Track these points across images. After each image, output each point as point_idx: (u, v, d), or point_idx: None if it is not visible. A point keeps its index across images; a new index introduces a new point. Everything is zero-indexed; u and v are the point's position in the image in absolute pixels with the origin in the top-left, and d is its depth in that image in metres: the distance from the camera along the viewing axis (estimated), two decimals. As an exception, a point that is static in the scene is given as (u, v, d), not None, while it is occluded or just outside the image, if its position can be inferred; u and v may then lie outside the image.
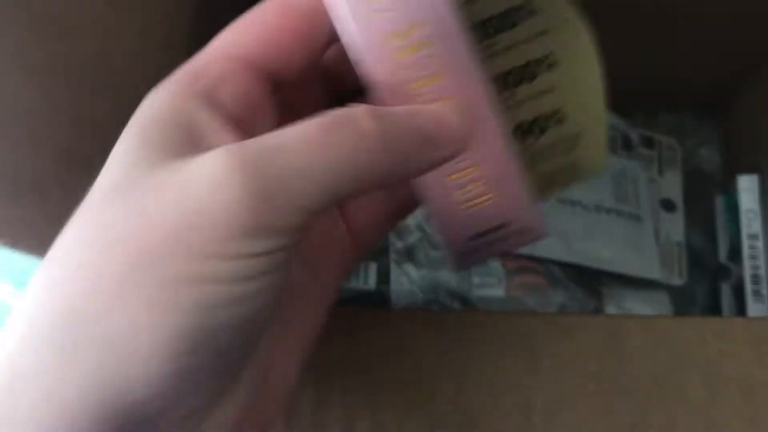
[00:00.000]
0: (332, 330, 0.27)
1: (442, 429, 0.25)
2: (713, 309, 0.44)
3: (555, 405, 0.26)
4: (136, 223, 0.16)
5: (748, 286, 0.41)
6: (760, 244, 0.42)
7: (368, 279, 0.41)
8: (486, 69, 0.20)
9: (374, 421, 0.25)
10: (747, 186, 0.43)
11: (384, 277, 0.41)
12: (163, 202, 0.16)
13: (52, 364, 0.16)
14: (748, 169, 0.45)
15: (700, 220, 0.48)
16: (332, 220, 0.23)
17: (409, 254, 0.41)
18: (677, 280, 0.45)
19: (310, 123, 0.17)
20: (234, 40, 0.20)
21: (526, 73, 0.23)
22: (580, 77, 0.23)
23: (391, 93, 0.19)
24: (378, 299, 0.40)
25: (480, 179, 0.21)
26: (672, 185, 0.48)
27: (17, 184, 0.25)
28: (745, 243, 0.43)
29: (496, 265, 0.42)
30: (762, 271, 0.42)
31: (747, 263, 0.42)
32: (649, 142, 0.49)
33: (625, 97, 0.49)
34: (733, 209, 0.44)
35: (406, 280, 0.41)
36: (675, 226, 0.47)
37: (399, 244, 0.41)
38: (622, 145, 0.49)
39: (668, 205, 0.47)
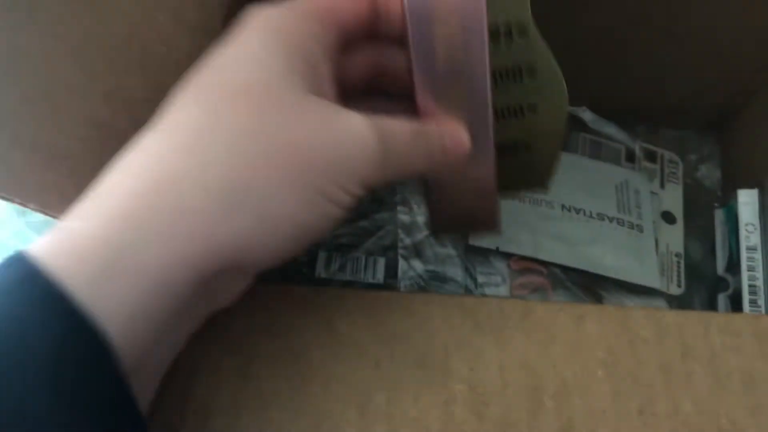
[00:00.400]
0: (357, 309, 0.28)
1: (456, 405, 0.26)
2: (710, 319, 0.45)
3: (565, 388, 0.26)
4: (305, 141, 0.23)
5: (746, 296, 0.42)
6: (758, 255, 0.43)
7: (376, 273, 0.42)
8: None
9: (390, 395, 0.26)
10: (747, 200, 0.45)
11: (392, 271, 0.41)
12: (326, 137, 0.23)
13: (201, 212, 0.21)
14: (747, 185, 0.46)
15: (699, 233, 0.49)
16: None
17: (417, 250, 0.42)
18: (676, 290, 0.46)
19: (409, 126, 0.26)
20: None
21: (517, 112, 0.30)
22: (550, 125, 0.31)
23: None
24: (385, 294, 0.41)
25: (471, 179, 0.29)
26: (673, 198, 0.49)
27: (52, 153, 0.26)
28: (744, 255, 0.44)
29: (500, 265, 0.43)
30: (760, 282, 0.43)
31: (745, 274, 0.43)
32: (651, 156, 0.51)
33: (629, 111, 0.50)
34: (732, 222, 0.46)
35: (414, 275, 0.41)
36: (675, 238, 0.48)
37: (407, 241, 0.42)
38: (625, 157, 0.50)
39: (669, 218, 0.49)
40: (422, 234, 0.42)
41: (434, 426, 0.26)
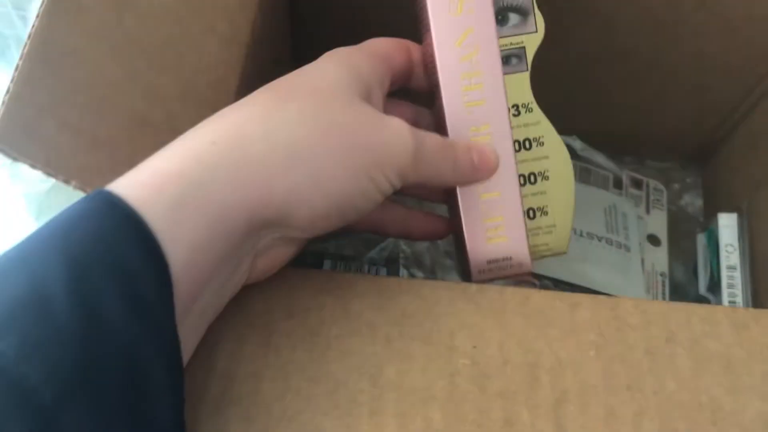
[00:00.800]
0: (370, 292, 0.30)
1: (460, 377, 0.28)
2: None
3: (560, 365, 0.29)
4: (356, 126, 0.27)
5: (727, 311, 0.45)
6: (737, 274, 0.46)
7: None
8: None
9: (400, 368, 0.28)
10: (727, 223, 0.48)
11: (394, 279, 0.44)
12: (372, 127, 0.28)
13: (263, 164, 0.25)
14: (727, 211, 0.49)
15: (683, 256, 0.51)
16: None
17: (417, 260, 0.45)
18: (661, 307, 0.48)
19: (440, 138, 0.31)
20: (389, 48, 0.32)
21: (530, 178, 0.34)
22: (561, 189, 0.35)
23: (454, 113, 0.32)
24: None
25: (502, 225, 0.33)
26: (658, 223, 0.52)
27: (94, 138, 0.28)
28: (724, 273, 0.46)
29: (497, 277, 0.45)
30: (739, 299, 0.46)
31: (725, 292, 0.46)
32: (637, 184, 0.54)
33: (617, 141, 0.54)
34: (713, 244, 0.48)
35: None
36: (659, 259, 0.50)
37: (408, 251, 0.45)
38: (613, 184, 0.53)
39: (654, 240, 0.51)
40: (423, 245, 0.45)
41: (440, 395, 0.28)
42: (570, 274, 0.46)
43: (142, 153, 0.26)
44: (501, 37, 0.32)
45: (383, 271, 0.45)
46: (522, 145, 0.34)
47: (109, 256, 0.23)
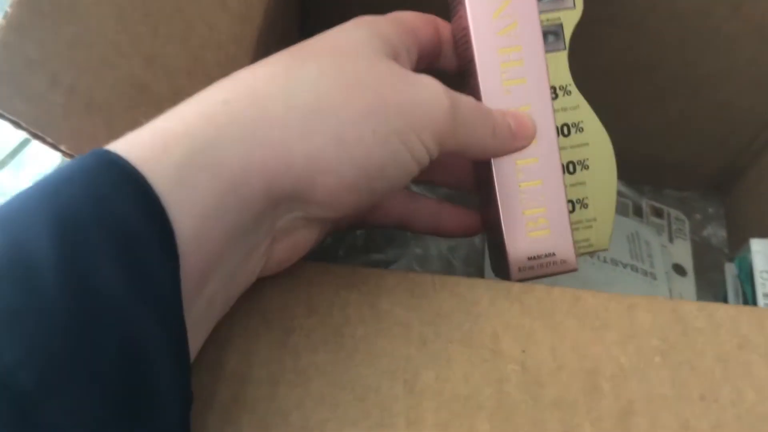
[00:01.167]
0: (399, 289, 0.26)
1: (509, 384, 0.24)
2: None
3: (622, 372, 0.25)
4: (384, 85, 0.24)
5: None
6: (775, 302, 0.43)
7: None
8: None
9: (439, 373, 0.24)
10: (760, 248, 0.45)
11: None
12: (402, 85, 0.24)
13: (281, 125, 0.22)
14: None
15: (711, 286, 0.48)
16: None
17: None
18: (692, 340, 0.45)
19: (472, 103, 0.27)
20: (417, 21, 0.29)
21: (569, 168, 0.31)
22: (603, 180, 0.31)
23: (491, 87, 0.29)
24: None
25: (544, 217, 0.29)
26: (682, 252, 0.49)
27: (89, 100, 0.25)
28: (761, 302, 0.43)
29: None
30: (779, 329, 0.42)
31: (763, 321, 0.42)
32: (658, 213, 0.51)
33: (635, 169, 0.51)
34: (745, 272, 0.45)
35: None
36: (687, 288, 0.47)
37: (420, 270, 0.41)
38: (633, 212, 0.50)
39: (680, 270, 0.48)
40: (435, 265, 0.41)
41: (487, 404, 0.24)
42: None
43: (139, 124, 0.22)
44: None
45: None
46: (560, 131, 0.30)
47: (104, 218, 0.19)
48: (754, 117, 0.47)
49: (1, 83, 0.23)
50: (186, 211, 0.20)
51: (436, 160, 0.26)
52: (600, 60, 0.43)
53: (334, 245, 0.45)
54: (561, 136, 0.30)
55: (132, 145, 0.21)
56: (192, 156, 0.21)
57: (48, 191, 0.19)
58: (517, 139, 0.28)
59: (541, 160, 0.29)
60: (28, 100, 0.23)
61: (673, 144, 0.50)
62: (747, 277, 0.45)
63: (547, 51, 0.29)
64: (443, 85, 0.25)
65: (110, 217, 0.19)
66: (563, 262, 0.30)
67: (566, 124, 0.30)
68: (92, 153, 0.20)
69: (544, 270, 0.29)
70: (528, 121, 0.28)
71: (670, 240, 0.50)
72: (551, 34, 0.30)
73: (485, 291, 0.27)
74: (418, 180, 0.33)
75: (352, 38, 0.25)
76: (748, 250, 0.45)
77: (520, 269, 0.29)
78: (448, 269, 0.42)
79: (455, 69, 0.31)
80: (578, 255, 0.30)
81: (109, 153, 0.20)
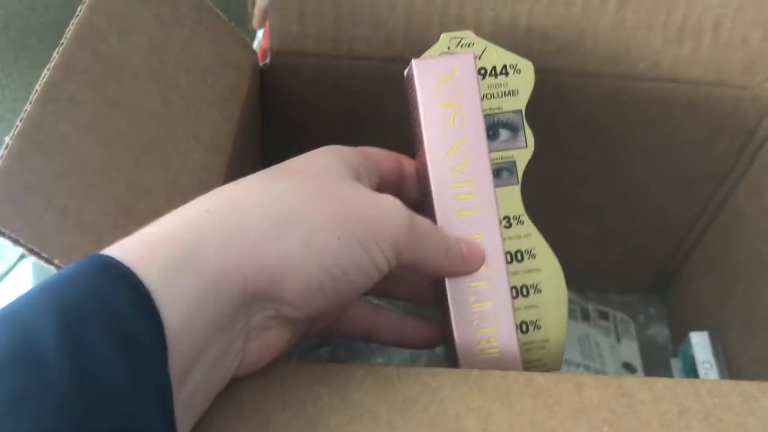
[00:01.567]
0: (368, 380, 0.28)
1: (474, 458, 0.26)
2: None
3: (576, 442, 0.27)
4: (350, 198, 0.27)
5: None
6: (719, 390, 0.45)
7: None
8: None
9: (408, 452, 0.26)
10: (699, 341, 0.48)
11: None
12: (366, 201, 0.28)
13: (257, 229, 0.25)
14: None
15: (660, 382, 0.51)
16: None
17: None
18: None
19: (429, 223, 0.30)
20: (378, 153, 0.33)
21: (523, 291, 0.34)
22: (554, 303, 0.35)
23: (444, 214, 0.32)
24: None
25: (495, 336, 0.32)
26: (630, 351, 0.52)
27: (81, 221, 0.28)
28: (706, 390, 0.46)
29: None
30: (726, 415, 0.45)
31: (711, 409, 0.45)
32: (604, 316, 0.54)
33: (578, 275, 0.55)
34: (689, 364, 0.48)
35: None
36: (639, 385, 0.49)
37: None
38: (581, 316, 0.53)
39: (630, 368, 0.51)
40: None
41: (455, 479, 0.25)
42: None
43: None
44: (492, 152, 0.33)
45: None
46: (514, 257, 0.34)
47: (103, 312, 0.21)
48: (680, 221, 0.51)
49: (2, 205, 0.25)
50: (173, 305, 0.22)
51: (397, 276, 0.29)
52: (535, 173, 0.47)
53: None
54: (515, 262, 0.34)
55: (125, 249, 0.23)
56: (177, 257, 0.23)
57: (51, 290, 0.22)
58: (468, 263, 0.31)
59: (491, 283, 0.32)
60: (26, 220, 0.25)
61: (610, 250, 0.54)
62: (691, 368, 0.48)
63: (501, 185, 0.33)
64: (403, 204, 0.29)
65: (108, 311, 0.21)
66: None
67: (519, 251, 0.34)
68: (90, 257, 0.23)
69: None
70: (478, 248, 0.32)
71: (618, 340, 0.53)
72: (505, 170, 0.34)
73: (446, 378, 0.29)
74: (380, 293, 0.36)
75: (320, 161, 0.29)
76: (689, 343, 0.48)
77: None
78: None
79: (418, 200, 0.34)
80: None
81: (103, 256, 0.23)
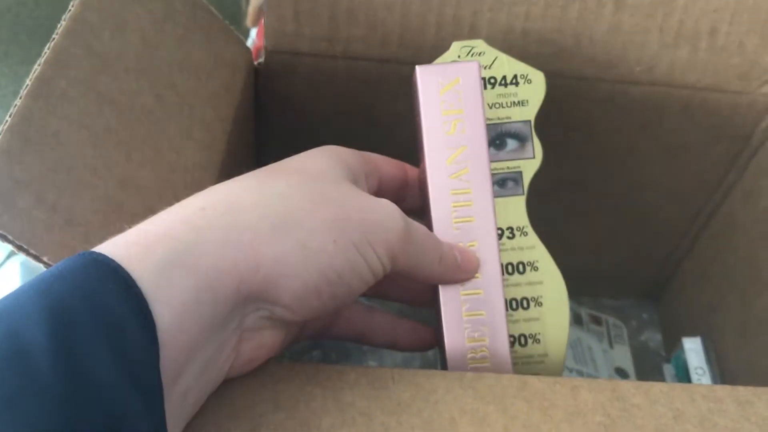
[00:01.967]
0: (361, 382, 0.28)
1: (469, 461, 0.26)
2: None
3: (571, 446, 0.27)
4: (346, 202, 0.27)
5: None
6: (712, 396, 0.45)
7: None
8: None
9: (401, 455, 0.26)
10: (692, 346, 0.48)
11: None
12: (363, 204, 0.28)
13: (252, 229, 0.24)
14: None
15: (653, 388, 0.50)
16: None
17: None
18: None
19: (424, 229, 0.30)
20: (379, 158, 0.33)
21: (523, 303, 0.34)
22: (555, 317, 0.34)
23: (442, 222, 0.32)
24: None
25: (485, 347, 0.32)
26: (623, 356, 0.52)
27: (70, 217, 0.27)
28: (699, 396, 0.45)
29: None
30: (718, 421, 0.44)
31: (703, 415, 0.45)
32: (597, 321, 0.54)
33: (571, 280, 0.54)
34: (681, 369, 0.48)
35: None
36: (631, 391, 0.49)
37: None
38: (574, 320, 0.53)
39: (622, 373, 0.51)
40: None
41: (449, 482, 0.25)
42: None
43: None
44: (499, 161, 0.33)
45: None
46: (516, 269, 0.33)
47: (94, 310, 0.21)
48: (672, 228, 0.51)
49: (-9, 200, 0.25)
50: (166, 305, 0.22)
51: (391, 278, 0.29)
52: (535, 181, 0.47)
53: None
54: (516, 273, 0.33)
55: (117, 246, 0.23)
56: (172, 255, 0.23)
57: (40, 288, 0.21)
58: (461, 271, 0.31)
59: (485, 293, 0.32)
60: (14, 216, 0.25)
61: (604, 256, 0.54)
62: (684, 374, 0.48)
63: (506, 195, 0.33)
64: (400, 209, 0.28)
65: (98, 309, 0.21)
66: None
67: (522, 262, 0.33)
68: (80, 254, 0.22)
69: None
70: (473, 257, 0.31)
71: (611, 345, 0.52)
72: (511, 180, 0.34)
73: (440, 380, 0.29)
74: (375, 295, 0.36)
75: (318, 162, 0.29)
76: (682, 349, 0.48)
77: None
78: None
79: (420, 208, 0.34)
80: None
81: (95, 253, 0.22)
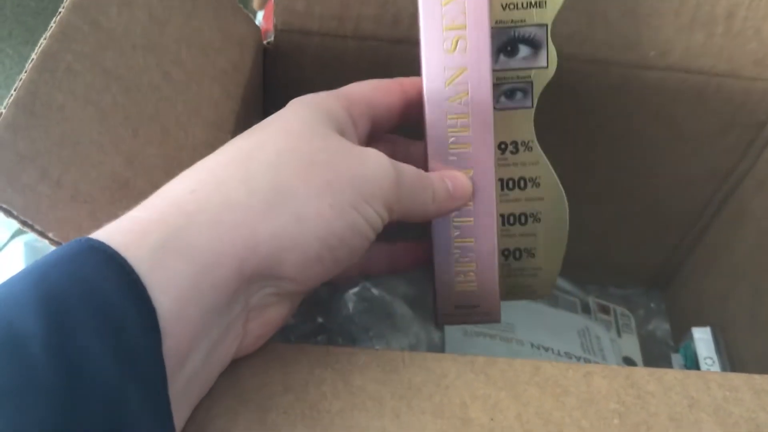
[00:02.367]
0: (371, 365, 0.28)
1: (481, 447, 0.25)
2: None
3: (585, 433, 0.26)
4: (337, 161, 0.26)
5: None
6: (721, 386, 0.45)
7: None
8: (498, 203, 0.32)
9: (412, 440, 0.25)
10: (702, 336, 0.47)
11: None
12: (353, 160, 0.26)
13: (245, 206, 0.24)
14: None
15: (660, 377, 0.50)
16: None
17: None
18: (648, 429, 0.46)
19: (414, 171, 0.29)
20: (369, 90, 0.31)
21: (521, 219, 0.33)
22: (553, 233, 0.34)
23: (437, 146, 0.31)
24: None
25: (473, 272, 0.32)
26: (631, 346, 0.51)
27: (76, 193, 0.26)
28: (708, 386, 0.45)
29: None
30: (727, 412, 0.44)
31: (712, 405, 0.44)
32: (605, 310, 0.53)
33: (579, 269, 0.54)
34: (690, 359, 0.47)
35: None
36: (639, 380, 0.49)
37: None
38: (582, 309, 0.52)
39: (630, 362, 0.50)
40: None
41: (461, 468, 0.25)
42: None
43: (123, 213, 0.24)
44: (508, 69, 0.31)
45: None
46: (517, 184, 0.32)
47: (90, 297, 0.20)
48: (682, 217, 0.51)
49: (-4, 174, 0.24)
50: (164, 291, 0.21)
51: (370, 255, 0.29)
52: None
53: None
54: (517, 189, 0.32)
55: (112, 233, 0.22)
56: (166, 241, 0.22)
57: (35, 275, 0.20)
58: (454, 200, 0.30)
59: (477, 221, 0.31)
60: (19, 191, 0.24)
61: (612, 244, 0.53)
62: (693, 364, 0.47)
63: (513, 107, 0.32)
64: (388, 157, 0.28)
65: (94, 296, 0.20)
66: (487, 314, 0.32)
67: (523, 178, 0.33)
68: (75, 241, 0.22)
69: (467, 319, 0.32)
70: (465, 183, 0.30)
71: (619, 334, 0.52)
72: (520, 91, 0.32)
73: (452, 364, 0.28)
74: (359, 274, 0.35)
75: (302, 118, 0.27)
76: (691, 338, 0.48)
77: (445, 315, 0.32)
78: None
79: None
80: (517, 299, 0.34)
81: (90, 240, 0.22)
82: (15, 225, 0.25)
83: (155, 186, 0.29)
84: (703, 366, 0.46)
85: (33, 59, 0.27)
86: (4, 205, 0.24)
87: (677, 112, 0.43)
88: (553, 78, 0.33)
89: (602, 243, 0.53)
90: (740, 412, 0.28)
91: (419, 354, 0.28)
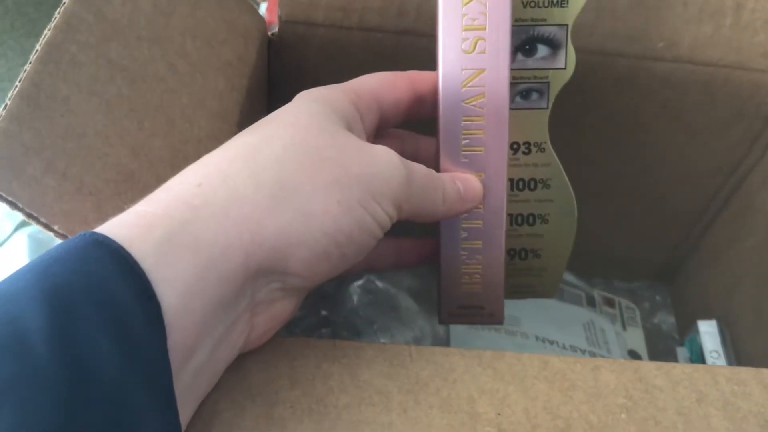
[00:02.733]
0: (378, 359, 0.27)
1: (489, 442, 0.25)
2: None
3: (593, 429, 0.26)
4: (345, 157, 0.25)
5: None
6: (727, 380, 0.45)
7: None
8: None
9: (420, 435, 0.25)
10: (707, 329, 0.47)
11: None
12: (362, 157, 0.26)
13: (251, 201, 0.23)
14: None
15: (665, 371, 0.50)
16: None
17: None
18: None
19: (425, 171, 0.29)
20: (376, 84, 0.30)
21: (529, 219, 0.33)
22: (560, 236, 0.33)
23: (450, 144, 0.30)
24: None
25: (479, 274, 0.32)
26: (636, 339, 0.51)
27: (81, 185, 0.26)
28: (713, 380, 0.45)
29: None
30: (733, 405, 0.44)
31: (718, 399, 0.44)
32: (610, 303, 0.53)
33: (584, 263, 0.54)
34: (696, 353, 0.47)
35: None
36: (644, 373, 0.49)
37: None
38: (587, 302, 0.52)
39: (635, 355, 0.50)
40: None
41: (469, 463, 0.24)
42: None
43: (129, 206, 0.24)
44: (525, 69, 0.31)
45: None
46: (527, 185, 0.32)
47: (94, 292, 0.20)
48: (688, 210, 0.50)
49: (0, 167, 0.24)
50: (169, 286, 0.21)
51: (376, 252, 0.28)
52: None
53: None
54: (527, 190, 0.32)
55: (117, 227, 0.22)
56: (172, 235, 0.22)
57: (39, 270, 0.20)
58: (464, 202, 0.30)
59: (486, 224, 0.31)
60: (25, 183, 0.24)
61: (617, 238, 0.53)
62: (698, 357, 0.47)
63: (528, 108, 0.31)
64: (398, 155, 0.27)
65: (99, 291, 0.20)
66: (491, 315, 0.32)
67: (534, 179, 0.32)
68: (80, 235, 0.22)
69: (471, 319, 0.32)
70: (477, 186, 0.30)
71: (624, 328, 0.52)
72: (536, 91, 0.32)
73: (459, 358, 0.28)
74: (362, 271, 0.35)
75: (310, 113, 0.27)
76: (697, 332, 0.47)
77: (449, 314, 0.32)
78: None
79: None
80: (520, 298, 0.34)
81: (95, 234, 0.21)
82: (18, 217, 0.25)
83: (160, 178, 0.29)
84: (708, 359, 0.46)
85: (37, 50, 0.27)
86: (10, 198, 0.24)
87: (684, 105, 0.43)
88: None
89: (607, 236, 0.53)
90: (749, 406, 0.28)
91: (426, 348, 0.28)
